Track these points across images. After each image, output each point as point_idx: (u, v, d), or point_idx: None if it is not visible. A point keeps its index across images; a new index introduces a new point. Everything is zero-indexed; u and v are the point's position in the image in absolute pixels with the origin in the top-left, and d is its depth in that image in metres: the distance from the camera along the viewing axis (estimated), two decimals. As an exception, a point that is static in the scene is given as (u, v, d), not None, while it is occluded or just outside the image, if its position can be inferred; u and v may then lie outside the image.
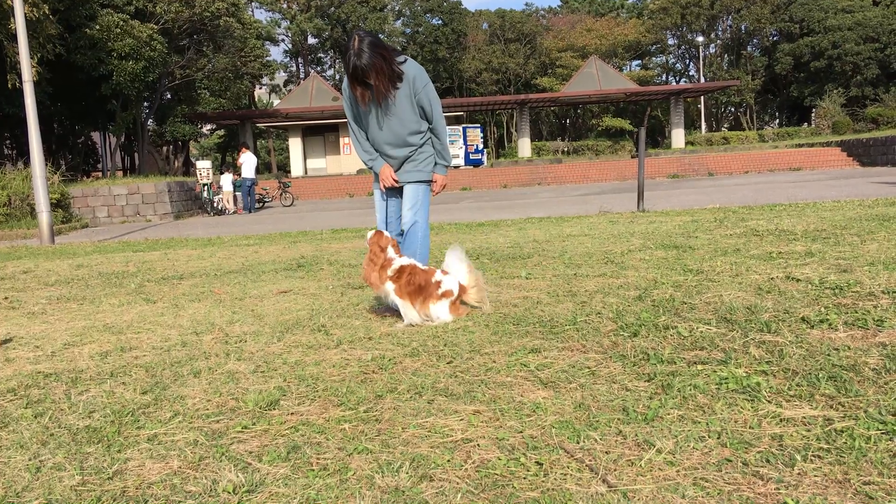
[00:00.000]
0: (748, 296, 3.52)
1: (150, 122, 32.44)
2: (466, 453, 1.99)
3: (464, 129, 31.98)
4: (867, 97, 40.34)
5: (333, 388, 2.63)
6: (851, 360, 2.46)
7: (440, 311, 3.54)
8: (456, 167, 30.18)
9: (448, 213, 13.53)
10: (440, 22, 52.65)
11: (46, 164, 13.77)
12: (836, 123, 32.79)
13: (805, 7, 42.93)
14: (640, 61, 54.50)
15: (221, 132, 47.20)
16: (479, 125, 34.48)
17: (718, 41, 49.78)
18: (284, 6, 48.44)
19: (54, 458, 2.13)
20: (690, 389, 2.33)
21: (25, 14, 13.27)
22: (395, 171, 4.00)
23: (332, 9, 48.28)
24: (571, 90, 36.06)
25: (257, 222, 15.46)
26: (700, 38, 47.15)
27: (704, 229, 6.72)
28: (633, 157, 30.18)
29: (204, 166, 21.96)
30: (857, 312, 3.02)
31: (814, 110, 40.36)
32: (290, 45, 50.95)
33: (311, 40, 50.97)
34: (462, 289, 3.62)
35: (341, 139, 36.44)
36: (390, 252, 3.66)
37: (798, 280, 3.79)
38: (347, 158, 35.76)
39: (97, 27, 23.09)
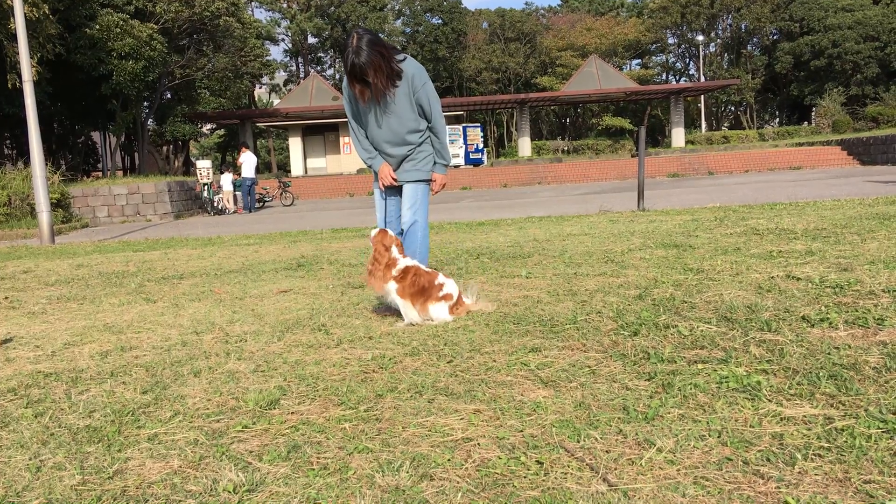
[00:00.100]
0: (748, 294, 3.52)
1: (150, 121, 32.45)
2: (467, 452, 1.99)
3: (464, 128, 31.97)
4: (867, 96, 40.34)
5: (334, 388, 2.63)
6: (852, 358, 2.46)
7: (440, 311, 3.55)
8: (456, 166, 30.18)
9: (448, 212, 13.53)
10: (440, 21, 52.64)
11: (46, 164, 13.77)
12: (837, 122, 32.79)
13: (805, 6, 42.92)
14: (640, 60, 54.50)
15: (221, 132, 47.19)
16: (479, 124, 34.47)
17: (718, 40, 49.77)
18: (284, 5, 48.45)
19: (54, 458, 2.13)
20: (691, 388, 2.33)
21: (25, 14, 13.27)
22: (395, 170, 4.00)
23: (332, 8, 48.28)
24: (571, 89, 36.05)
25: (257, 222, 15.46)
26: (700, 37, 47.14)
27: (705, 228, 6.72)
28: (633, 156, 30.19)
29: (204, 166, 21.96)
30: (857, 311, 3.02)
31: (814, 109, 40.37)
32: (289, 45, 50.96)
33: (311, 40, 50.99)
34: (460, 299, 3.66)
35: (341, 139, 36.44)
36: (394, 252, 3.66)
37: (798, 279, 3.79)
38: (347, 158, 35.75)
39: (97, 27, 23.09)
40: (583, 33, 47.27)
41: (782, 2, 44.57)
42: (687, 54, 53.22)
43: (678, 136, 35.02)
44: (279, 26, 49.04)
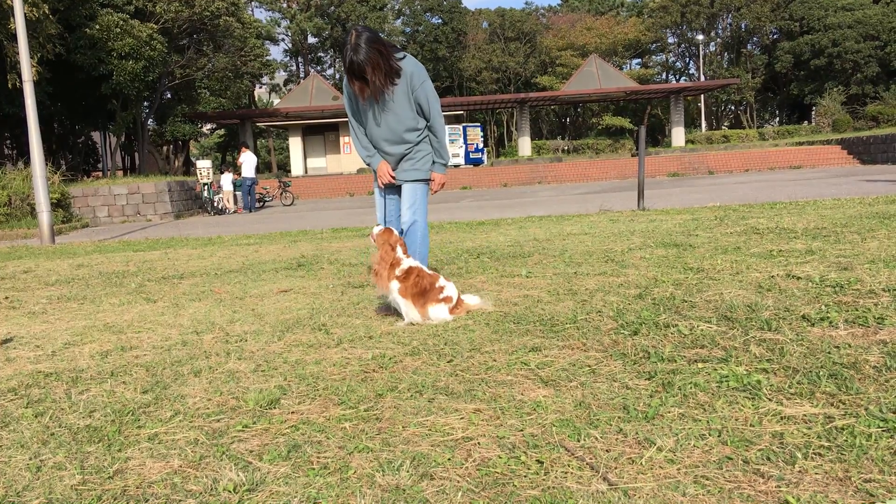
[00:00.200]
0: (749, 294, 3.52)
1: (150, 121, 32.46)
2: (467, 452, 1.99)
3: (464, 128, 31.97)
4: (867, 95, 40.33)
5: (334, 387, 2.63)
6: (852, 357, 2.46)
7: (440, 312, 3.56)
8: (456, 166, 30.18)
9: (448, 211, 13.53)
10: (440, 21, 52.63)
11: (47, 164, 13.77)
12: (837, 121, 32.78)
13: (805, 5, 42.91)
14: (640, 60, 54.48)
15: (221, 132, 47.20)
16: (479, 124, 34.48)
17: (718, 39, 49.75)
18: (284, 5, 48.44)
19: (55, 458, 2.13)
20: (691, 387, 2.33)
21: (25, 14, 13.27)
22: (393, 169, 3.99)
23: (332, 8, 48.28)
24: (571, 89, 36.05)
25: (257, 222, 15.46)
26: (700, 37, 47.12)
27: (705, 227, 6.72)
28: (633, 155, 30.18)
29: (204, 166, 21.96)
30: (857, 310, 3.02)
31: (814, 108, 40.35)
32: (289, 45, 50.95)
33: (311, 39, 50.98)
34: (460, 301, 3.69)
35: (341, 138, 36.44)
36: (399, 251, 3.67)
37: (798, 278, 3.79)
38: (347, 158, 35.75)
39: (97, 27, 23.09)
40: (583, 33, 47.26)
41: (782, 1, 44.55)
42: (687, 53, 53.22)
43: (678, 135, 35.01)
44: (279, 26, 49.05)
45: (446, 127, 33.28)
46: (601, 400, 2.30)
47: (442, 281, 3.63)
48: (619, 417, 2.15)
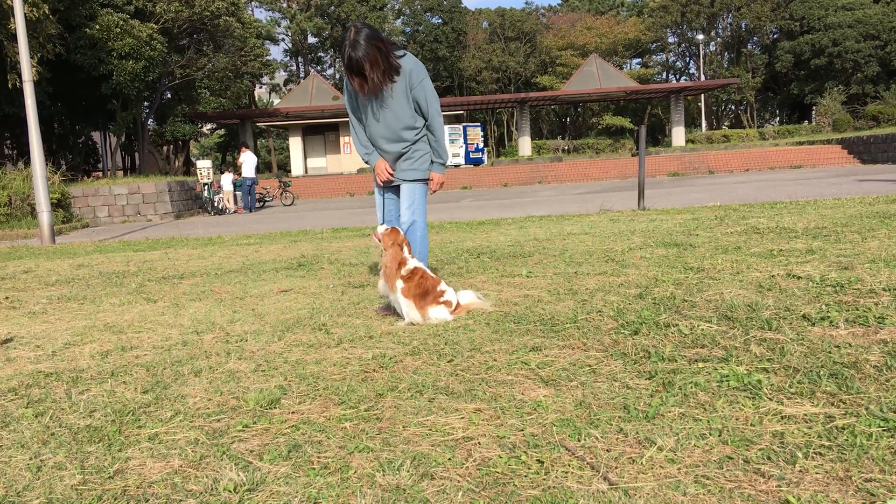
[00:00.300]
0: (749, 293, 3.51)
1: (150, 121, 32.47)
2: (467, 451, 1.99)
3: (464, 127, 31.96)
4: (868, 95, 40.32)
5: (334, 387, 2.63)
6: (853, 357, 2.46)
7: (440, 313, 3.58)
8: (456, 166, 30.19)
9: (449, 211, 13.53)
10: (440, 20, 52.63)
11: (47, 164, 13.77)
12: (837, 121, 32.78)
13: (805, 5, 42.90)
14: (640, 59, 54.47)
15: (222, 132, 47.20)
16: (479, 124, 34.48)
17: (718, 39, 49.74)
18: (284, 5, 48.44)
19: (55, 458, 2.13)
20: (691, 387, 2.32)
21: (25, 14, 13.27)
22: (391, 167, 3.99)
23: (332, 8, 48.28)
24: (572, 88, 36.04)
25: (258, 222, 15.46)
26: (700, 36, 47.11)
27: (705, 227, 6.72)
28: (633, 155, 30.18)
29: (204, 166, 21.96)
30: (858, 310, 3.02)
31: (814, 108, 40.34)
32: (289, 45, 50.95)
33: (311, 39, 50.97)
34: (458, 306, 3.70)
35: (341, 138, 36.44)
36: (405, 251, 3.69)
37: (799, 277, 3.79)
38: (348, 157, 35.76)
39: (97, 27, 23.10)
40: (583, 32, 47.25)
41: (782, 0, 44.54)
42: (687, 53, 53.21)
43: (678, 135, 35.01)
44: (279, 26, 49.04)
45: (447, 127, 33.14)
46: (601, 399, 2.30)
47: (443, 286, 3.66)
48: (619, 417, 2.15)
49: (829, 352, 2.54)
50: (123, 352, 3.42)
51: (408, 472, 1.88)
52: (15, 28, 13.14)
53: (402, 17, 54.23)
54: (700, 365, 2.54)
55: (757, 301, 3.32)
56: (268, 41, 46.01)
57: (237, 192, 21.22)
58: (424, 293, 3.58)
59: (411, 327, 3.51)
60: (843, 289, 3.41)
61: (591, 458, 1.88)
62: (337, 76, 51.09)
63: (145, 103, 30.38)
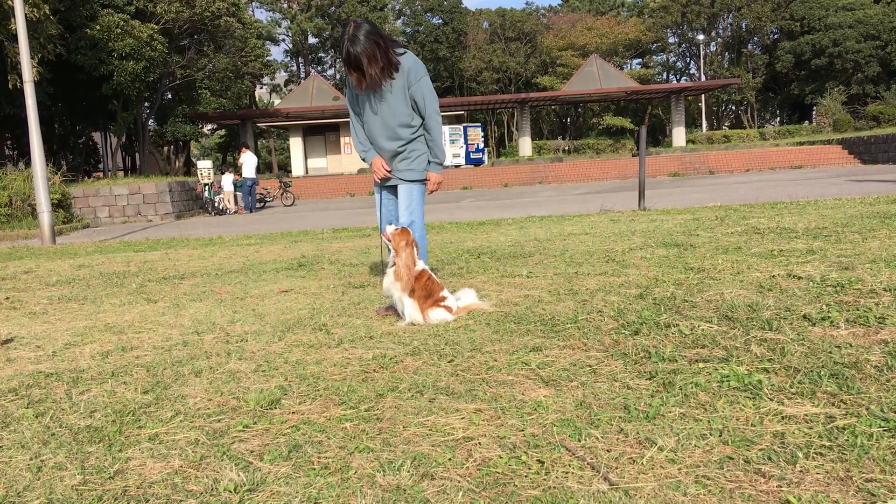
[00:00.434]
0: (749, 294, 3.51)
1: (150, 122, 32.47)
2: (468, 452, 1.99)
3: (465, 128, 31.97)
4: (868, 95, 40.30)
5: (334, 387, 2.63)
6: (853, 357, 2.46)
7: (440, 314, 3.59)
8: (457, 166, 30.20)
9: (449, 212, 13.53)
10: (440, 21, 52.64)
11: (47, 165, 13.77)
12: (837, 121, 32.76)
13: (806, 5, 42.89)
14: (640, 60, 54.46)
15: (222, 132, 47.21)
16: (479, 124, 34.48)
17: (719, 39, 49.73)
18: (285, 6, 48.45)
19: (55, 458, 2.13)
20: (692, 387, 2.32)
21: (26, 14, 13.28)
22: (388, 165, 3.99)
23: (333, 8, 48.28)
24: (572, 89, 36.04)
25: (258, 222, 15.46)
26: (701, 37, 47.10)
27: (705, 227, 6.71)
28: (633, 155, 30.18)
29: (205, 166, 21.97)
30: (858, 310, 3.02)
31: (815, 108, 40.33)
32: (290, 45, 50.94)
33: (312, 40, 50.98)
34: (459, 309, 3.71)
35: (342, 139, 36.45)
36: (414, 252, 3.70)
37: (799, 278, 3.78)
38: (348, 158, 35.76)
39: (98, 27, 23.10)
40: (583, 33, 47.25)
41: (783, 1, 44.53)
42: (687, 53, 53.20)
43: (679, 135, 35.00)
44: (280, 26, 49.05)
45: (447, 127, 33.11)
46: (602, 400, 2.30)
47: (446, 292, 3.69)
48: (619, 417, 2.14)
49: (830, 352, 2.54)
50: (124, 352, 3.42)
51: (408, 472, 1.88)
52: (15, 28, 13.15)
53: (402, 17, 54.26)
54: (701, 365, 2.54)
55: (757, 301, 3.32)
56: (268, 42, 46.04)
57: (238, 193, 21.22)
58: (428, 295, 3.61)
59: (412, 328, 3.51)
60: (843, 289, 3.40)
61: (592, 459, 1.88)
62: (337, 76, 51.10)
63: (146, 104, 30.38)
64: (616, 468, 1.83)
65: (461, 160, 31.24)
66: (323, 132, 37.41)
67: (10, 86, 18.78)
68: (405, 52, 3.77)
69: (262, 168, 35.19)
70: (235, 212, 20.90)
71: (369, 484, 1.83)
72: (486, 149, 33.52)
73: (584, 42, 46.35)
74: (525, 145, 35.56)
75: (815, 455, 1.81)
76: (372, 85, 3.71)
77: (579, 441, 2.00)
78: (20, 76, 14.79)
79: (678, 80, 52.90)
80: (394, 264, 3.67)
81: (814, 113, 40.75)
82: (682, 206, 10.23)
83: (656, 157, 27.42)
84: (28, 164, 17.12)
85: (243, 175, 20.65)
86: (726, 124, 53.07)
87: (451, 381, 2.60)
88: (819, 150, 25.34)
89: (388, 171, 3.97)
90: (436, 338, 3.24)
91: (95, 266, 7.50)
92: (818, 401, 2.14)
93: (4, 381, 3.02)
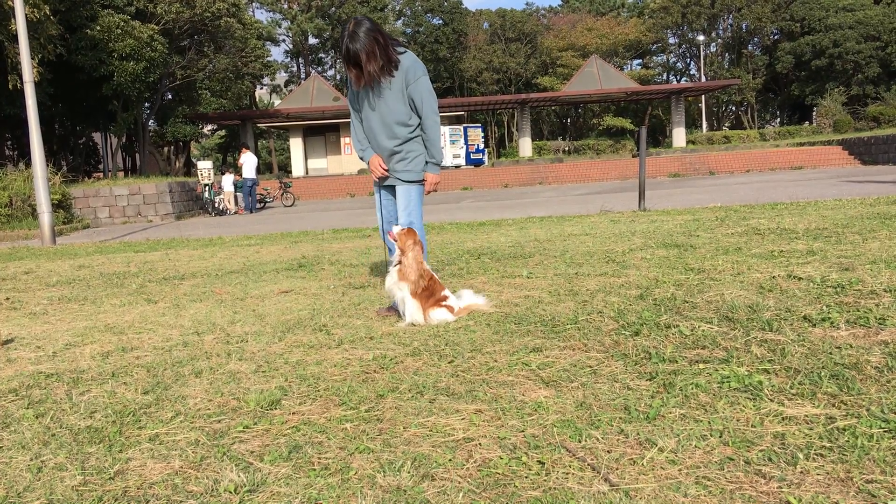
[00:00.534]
0: (750, 294, 3.51)
1: (151, 122, 32.47)
2: (468, 452, 1.99)
3: (465, 128, 31.98)
4: (868, 96, 40.30)
5: (335, 388, 2.63)
6: (854, 358, 2.46)
7: (441, 314, 3.59)
8: (457, 167, 30.20)
9: (449, 212, 13.53)
10: (441, 22, 52.65)
11: (48, 165, 13.77)
12: (838, 122, 32.75)
13: (806, 6, 42.90)
14: (640, 60, 54.48)
15: (222, 132, 47.22)
16: (480, 125, 34.48)
17: (719, 40, 49.73)
18: (285, 6, 48.47)
19: (56, 459, 2.13)
20: (692, 388, 2.32)
21: (26, 15, 13.28)
22: (385, 164, 3.99)
23: (333, 9, 48.30)
24: (572, 89, 36.04)
25: (258, 222, 15.46)
26: (701, 37, 47.11)
27: (706, 228, 6.71)
28: (634, 156, 30.18)
29: (205, 167, 21.97)
30: (859, 311, 3.01)
31: (815, 109, 40.32)
32: (290, 46, 50.96)
33: (312, 40, 51.00)
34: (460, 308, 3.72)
35: (342, 139, 36.45)
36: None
37: (800, 278, 3.78)
38: (348, 158, 35.76)
39: (98, 28, 23.11)
40: (583, 33, 47.26)
41: (783, 1, 44.54)
42: (688, 54, 53.20)
43: (679, 136, 35.00)
44: (280, 27, 49.06)
45: (447, 128, 33.06)
46: (602, 401, 2.30)
47: (447, 292, 3.70)
48: (620, 418, 2.14)
49: (830, 353, 2.54)
50: (124, 353, 3.42)
51: (408, 473, 1.88)
52: (16, 29, 13.15)
53: (402, 18, 54.27)
54: (701, 366, 2.54)
55: (758, 302, 3.32)
56: (269, 42, 46.05)
57: (238, 193, 21.23)
58: (430, 295, 3.62)
59: (412, 328, 3.51)
60: (843, 290, 3.40)
61: (592, 460, 1.88)
62: (338, 77, 51.11)
63: (146, 104, 30.39)
64: (616, 469, 1.83)
65: (461, 161, 31.24)
66: (323, 133, 37.41)
67: (10, 86, 18.78)
68: (405, 52, 3.78)
69: (263, 168, 35.21)
70: (235, 212, 20.90)
71: (369, 485, 1.83)
72: (486, 149, 33.52)
73: (584, 43, 46.36)
74: (525, 146, 35.56)
75: (815, 456, 1.81)
76: (370, 82, 3.72)
77: (580, 442, 2.00)
78: (20, 76, 14.78)
79: (678, 81, 52.90)
80: (398, 264, 3.66)
81: (814, 114, 40.74)
82: (682, 207, 10.22)
83: (656, 157, 27.43)
84: (28, 164, 17.12)
85: (243, 175, 20.66)
86: (726, 125, 53.07)
87: (451, 382, 2.60)
88: (819, 151, 25.34)
89: (386, 170, 3.98)
90: (436, 338, 3.24)
91: (96, 266, 7.50)
92: (818, 402, 2.14)
93: (5, 381, 3.02)
